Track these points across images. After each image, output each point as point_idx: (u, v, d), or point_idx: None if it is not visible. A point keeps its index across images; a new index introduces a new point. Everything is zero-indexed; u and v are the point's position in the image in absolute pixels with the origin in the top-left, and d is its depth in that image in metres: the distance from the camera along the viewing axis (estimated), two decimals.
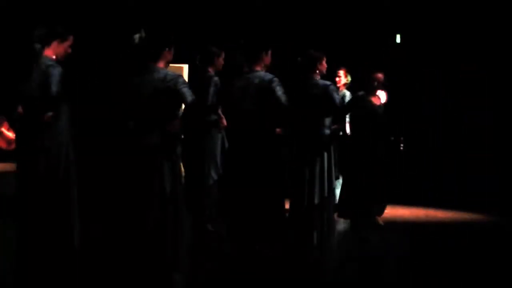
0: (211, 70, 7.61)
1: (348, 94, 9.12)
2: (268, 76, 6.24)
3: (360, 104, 8.18)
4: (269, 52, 6.37)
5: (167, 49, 5.39)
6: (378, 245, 7.41)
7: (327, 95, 6.92)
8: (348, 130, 8.90)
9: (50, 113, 5.74)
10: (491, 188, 10.35)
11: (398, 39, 11.44)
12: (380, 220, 8.23)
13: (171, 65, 5.78)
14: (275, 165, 6.24)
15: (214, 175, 7.50)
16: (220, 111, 7.56)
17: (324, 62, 7.11)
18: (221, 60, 7.65)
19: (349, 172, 8.24)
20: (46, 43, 5.89)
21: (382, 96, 8.55)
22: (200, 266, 6.08)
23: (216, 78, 7.53)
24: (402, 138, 11.37)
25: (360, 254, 7.10)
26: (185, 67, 11.87)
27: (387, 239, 7.78)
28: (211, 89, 7.45)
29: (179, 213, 5.28)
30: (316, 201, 6.88)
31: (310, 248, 6.86)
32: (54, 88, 5.70)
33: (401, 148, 11.44)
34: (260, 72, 6.30)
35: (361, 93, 8.26)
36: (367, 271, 6.39)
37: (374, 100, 8.25)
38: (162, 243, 5.22)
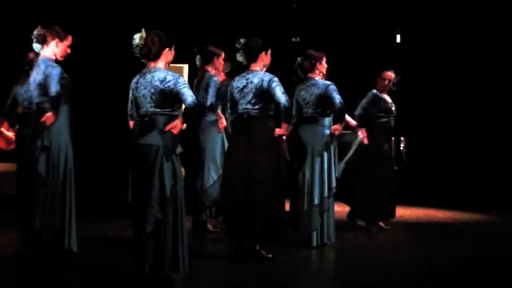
0: (211, 70, 7.62)
1: None
2: (268, 76, 6.24)
3: (377, 102, 8.13)
4: (269, 52, 6.37)
5: (167, 49, 5.38)
6: (378, 245, 7.40)
7: (327, 94, 6.92)
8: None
9: (49, 113, 5.74)
10: (491, 188, 10.34)
11: (398, 39, 11.45)
12: (383, 223, 8.17)
13: (171, 65, 5.78)
14: (275, 165, 6.23)
15: (214, 175, 7.50)
16: (219, 111, 7.56)
17: (324, 62, 7.11)
18: (220, 60, 7.65)
19: (361, 172, 8.10)
20: (45, 43, 5.88)
21: None
22: (200, 266, 6.08)
23: (216, 78, 7.53)
24: (402, 138, 11.38)
25: (360, 254, 7.10)
26: (185, 67, 11.87)
27: (388, 239, 7.78)
28: (211, 89, 7.46)
29: (179, 213, 5.28)
30: (316, 201, 6.88)
31: (310, 249, 6.85)
32: (53, 88, 5.70)
33: (402, 147, 11.44)
34: (259, 72, 6.30)
35: (374, 91, 8.18)
36: (367, 271, 6.38)
37: (386, 98, 8.23)
38: (162, 243, 5.21)
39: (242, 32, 6.73)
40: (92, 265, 5.96)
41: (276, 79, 6.22)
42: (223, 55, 7.68)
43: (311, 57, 7.09)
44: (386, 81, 8.19)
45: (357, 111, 8.15)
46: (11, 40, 9.65)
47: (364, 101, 8.18)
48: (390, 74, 8.22)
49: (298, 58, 7.24)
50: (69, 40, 5.96)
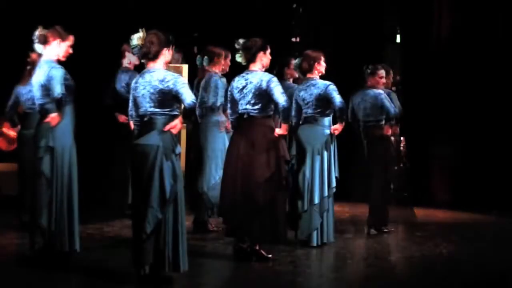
0: (211, 70, 7.60)
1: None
2: (267, 76, 6.25)
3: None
4: (267, 52, 6.35)
5: (166, 48, 5.38)
6: (378, 245, 7.41)
7: (327, 95, 6.92)
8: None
9: (54, 114, 5.74)
10: (491, 188, 10.33)
11: (398, 39, 11.44)
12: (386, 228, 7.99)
13: (171, 65, 5.78)
14: (275, 165, 6.24)
15: (215, 175, 7.50)
16: (222, 111, 7.56)
17: (322, 62, 7.08)
18: (221, 61, 7.61)
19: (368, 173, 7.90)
20: (47, 44, 5.87)
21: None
22: (200, 266, 6.08)
23: (215, 78, 7.52)
24: (402, 138, 11.36)
25: (360, 254, 7.10)
26: (185, 67, 11.87)
27: (388, 239, 7.77)
28: (219, 90, 7.46)
29: (179, 213, 5.29)
30: (316, 201, 6.88)
31: (310, 249, 6.86)
32: (57, 90, 5.70)
33: (402, 147, 11.43)
34: (258, 72, 6.30)
35: (384, 90, 7.90)
36: (367, 271, 6.39)
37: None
38: (162, 243, 5.22)
39: (242, 32, 6.73)
40: (92, 265, 5.96)
41: (275, 79, 6.23)
42: (224, 55, 7.66)
43: (309, 58, 7.08)
44: (390, 78, 8.06)
45: (396, 110, 7.80)
46: (12, 40, 9.66)
47: (395, 100, 7.91)
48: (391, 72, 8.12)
49: (297, 59, 7.25)
50: (70, 40, 5.94)
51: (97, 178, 9.00)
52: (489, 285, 5.98)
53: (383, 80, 7.98)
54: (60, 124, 5.76)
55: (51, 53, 5.87)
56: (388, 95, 7.95)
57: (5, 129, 7.80)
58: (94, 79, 9.80)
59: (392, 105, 7.83)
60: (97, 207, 8.34)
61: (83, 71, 9.60)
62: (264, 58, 6.33)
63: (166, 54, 5.38)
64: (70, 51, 5.96)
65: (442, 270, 6.35)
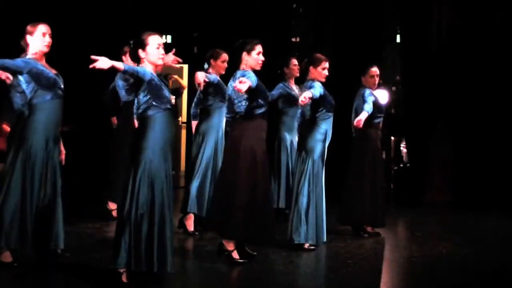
0: (210, 72, 7.58)
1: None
2: (239, 72, 6.16)
3: (373, 102, 7.67)
4: (252, 53, 6.14)
5: (140, 50, 5.35)
6: (378, 245, 7.40)
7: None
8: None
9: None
10: (492, 188, 10.34)
11: (398, 39, 11.46)
12: (371, 229, 7.85)
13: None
14: (270, 165, 6.20)
15: (196, 170, 7.53)
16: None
17: (320, 68, 6.96)
18: (218, 62, 7.55)
19: (354, 177, 7.78)
20: (27, 46, 5.76)
21: (384, 95, 8.43)
22: (198, 266, 6.08)
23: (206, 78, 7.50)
24: (402, 138, 11.38)
25: (360, 254, 7.10)
26: (185, 67, 11.88)
27: (387, 239, 7.77)
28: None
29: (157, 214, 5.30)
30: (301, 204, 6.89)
31: (308, 249, 6.87)
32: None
33: (402, 147, 11.44)
34: (243, 71, 6.23)
35: (368, 90, 7.69)
36: (367, 272, 6.39)
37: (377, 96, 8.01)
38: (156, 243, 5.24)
39: (242, 32, 6.72)
40: (91, 265, 5.95)
41: (240, 74, 6.09)
42: (223, 57, 7.60)
43: (308, 59, 7.07)
44: (375, 78, 7.78)
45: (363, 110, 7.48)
46: (11, 40, 9.65)
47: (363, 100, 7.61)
48: (377, 70, 7.83)
49: (305, 60, 7.21)
50: (39, 29, 5.72)
51: (97, 178, 8.99)
52: (489, 285, 5.97)
53: (374, 80, 7.78)
54: (32, 122, 5.61)
55: (30, 52, 5.74)
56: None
57: (4, 128, 7.79)
58: (95, 79, 9.83)
59: (363, 105, 7.56)
60: (96, 207, 8.32)
61: (82, 70, 9.61)
62: (248, 59, 6.15)
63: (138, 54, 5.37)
64: (48, 39, 5.73)
65: (442, 270, 6.35)
